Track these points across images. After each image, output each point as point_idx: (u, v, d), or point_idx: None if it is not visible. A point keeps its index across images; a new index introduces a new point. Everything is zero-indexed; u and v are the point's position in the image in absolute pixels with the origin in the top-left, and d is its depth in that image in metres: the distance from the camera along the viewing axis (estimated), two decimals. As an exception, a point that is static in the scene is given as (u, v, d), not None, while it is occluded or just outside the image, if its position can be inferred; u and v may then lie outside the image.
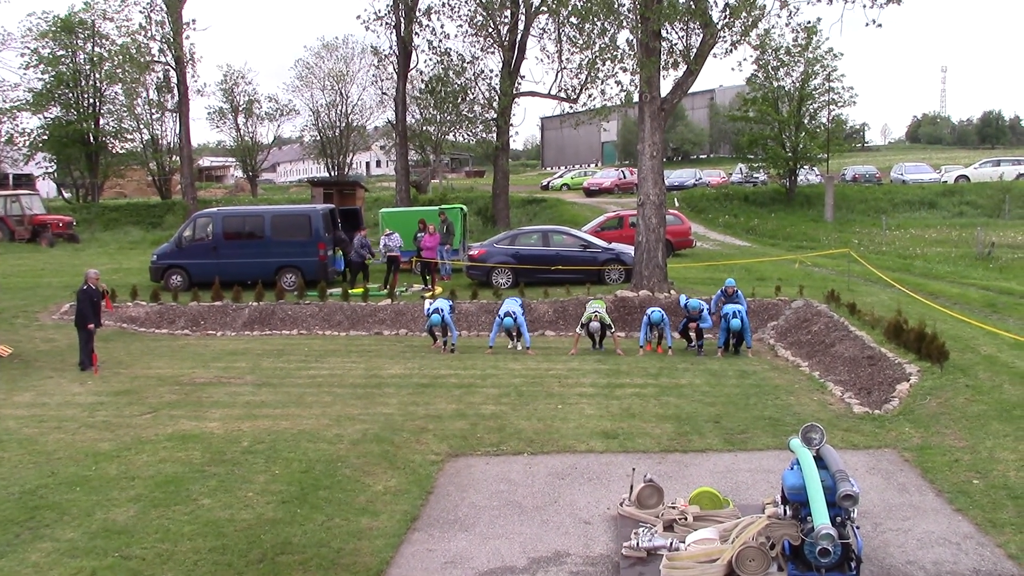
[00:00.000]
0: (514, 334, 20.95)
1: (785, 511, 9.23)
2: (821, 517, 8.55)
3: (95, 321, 18.88)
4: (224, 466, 12.20)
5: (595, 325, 20.18)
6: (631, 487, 10.89)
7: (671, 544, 9.36)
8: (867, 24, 23.75)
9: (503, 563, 9.60)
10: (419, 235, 28.31)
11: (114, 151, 60.48)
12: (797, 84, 50.59)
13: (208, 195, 65.57)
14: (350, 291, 25.62)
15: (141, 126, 60.79)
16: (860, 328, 19.38)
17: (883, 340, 18.18)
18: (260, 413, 14.98)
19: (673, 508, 10.41)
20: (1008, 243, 35.53)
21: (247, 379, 17.78)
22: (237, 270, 26.86)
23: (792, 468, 9.29)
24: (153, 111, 60.61)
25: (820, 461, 9.28)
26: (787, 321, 22.02)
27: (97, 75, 56.13)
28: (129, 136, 60.61)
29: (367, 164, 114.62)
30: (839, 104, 52.74)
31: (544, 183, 72.87)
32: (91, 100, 57.24)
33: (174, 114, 54.51)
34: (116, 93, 57.62)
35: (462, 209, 32.92)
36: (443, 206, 33.09)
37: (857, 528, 9.02)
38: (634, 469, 11.41)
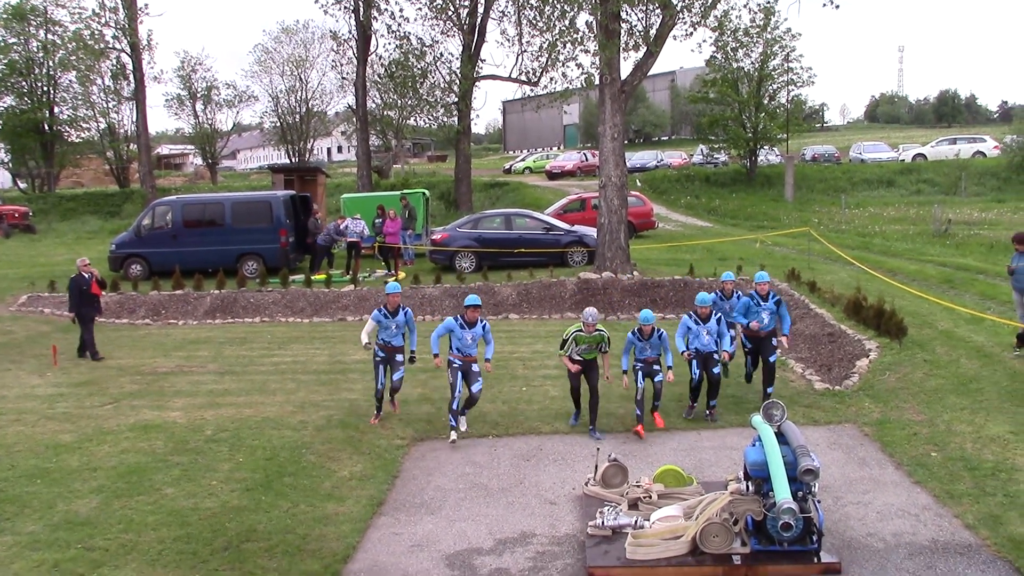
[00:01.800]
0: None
1: (748, 487, 9.35)
2: (783, 492, 8.66)
3: (78, 309, 18.52)
4: (187, 455, 12.12)
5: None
6: (595, 467, 10.96)
7: (636, 522, 9.44)
8: (824, 4, 23.90)
9: (469, 545, 9.64)
10: (377, 221, 28.21)
11: (70, 140, 59.51)
12: (756, 65, 50.83)
13: (167, 183, 64.79)
14: (313, 277, 25.47)
15: (97, 114, 59.81)
16: (820, 306, 19.59)
17: (843, 317, 18.40)
18: (223, 401, 14.88)
19: (638, 487, 10.48)
20: (964, 220, 36.01)
21: (209, 367, 17.65)
22: (198, 258, 26.59)
23: (754, 445, 9.40)
24: (109, 99, 59.63)
25: (781, 437, 9.40)
26: (749, 300, 22.17)
27: (51, 63, 55.14)
28: (85, 125, 59.61)
29: (328, 150, 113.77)
30: (798, 84, 53.07)
31: (506, 167, 72.79)
32: (45, 88, 56.22)
33: (131, 102, 53.69)
34: (71, 81, 56.67)
35: (424, 194, 32.81)
36: (405, 191, 32.97)
37: (818, 502, 9.15)
38: (598, 449, 11.48)
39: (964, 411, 12.93)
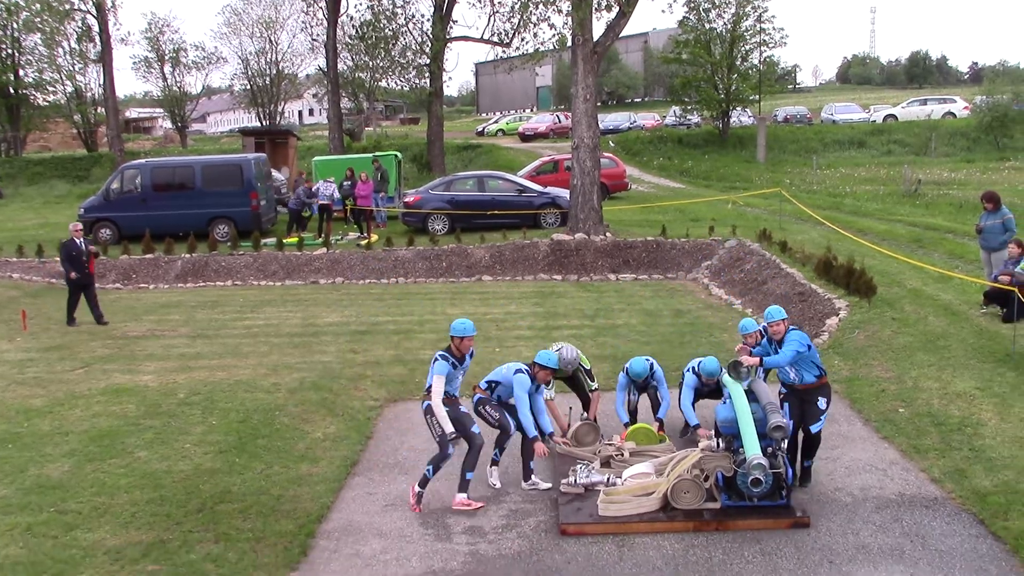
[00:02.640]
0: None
1: (718, 444, 9.47)
2: (752, 448, 8.78)
3: (70, 274, 18.19)
4: (160, 418, 12.09)
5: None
6: (568, 425, 11.04)
7: (608, 480, 9.53)
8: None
9: (443, 504, 9.70)
10: (345, 184, 28.04)
11: (36, 103, 58.43)
12: (729, 26, 50.70)
13: (136, 147, 63.86)
14: (284, 240, 25.32)
15: (64, 77, 58.70)
16: (791, 265, 19.72)
17: (813, 277, 18.54)
18: (195, 365, 14.83)
19: (610, 445, 10.58)
20: (934, 180, 36.25)
21: (181, 331, 17.57)
22: (168, 222, 26.34)
23: (724, 402, 9.51)
24: (75, 61, 58.52)
25: (751, 395, 9.50)
26: (720, 260, 22.32)
27: (14, 25, 53.98)
28: (51, 88, 58.45)
29: (299, 113, 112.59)
30: (770, 45, 53.02)
31: (479, 129, 72.38)
32: (9, 51, 55.05)
33: (97, 64, 52.75)
34: (36, 43, 55.48)
35: (396, 156, 32.61)
36: (377, 153, 32.73)
37: (788, 458, 9.29)
38: (571, 408, 11.54)
39: (931, 368, 13.09)
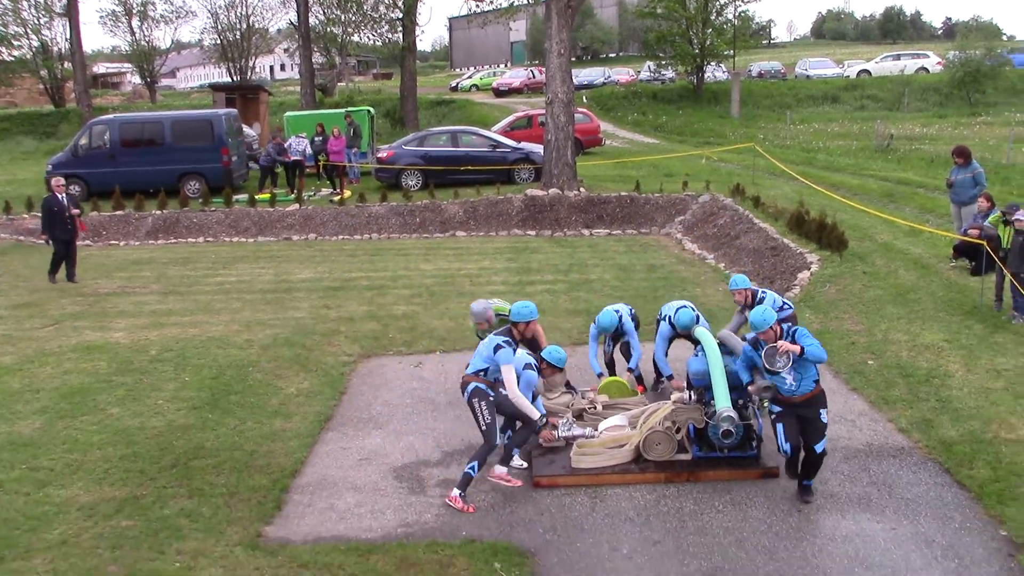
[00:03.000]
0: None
1: (690, 396, 9.54)
2: (723, 400, 8.85)
3: (50, 231, 17.71)
4: (132, 375, 12.03)
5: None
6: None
7: (587, 433, 9.58)
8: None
9: (417, 458, 9.75)
10: (317, 139, 27.79)
11: (1, 59, 57.34)
12: (704, -20, 50.41)
13: (104, 102, 62.90)
14: (257, 197, 25.10)
15: (29, 31, 57.59)
16: (764, 220, 19.79)
17: (786, 231, 18.62)
18: (167, 321, 14.74)
19: (583, 398, 10.64)
20: (906, 135, 36.37)
21: (153, 288, 17.44)
22: (137, 178, 26.02)
23: (696, 355, 9.56)
24: (41, 15, 57.39)
25: (724, 347, 9.58)
26: (694, 215, 22.36)
27: (-23, -22, 52.88)
28: (17, 42, 57.35)
29: (271, 68, 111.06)
30: (745, 0, 52.77)
31: (453, 84, 71.76)
32: (-28, 6, 54.00)
33: (64, 18, 51.68)
34: (-1, -4, 54.42)
35: (369, 111, 32.30)
36: (350, 109, 32.41)
37: (758, 410, 9.38)
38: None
39: (901, 321, 13.23)
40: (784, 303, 10.60)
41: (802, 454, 8.45)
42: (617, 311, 11.11)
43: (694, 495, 8.68)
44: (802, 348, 7.95)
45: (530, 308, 9.17)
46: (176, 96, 79.99)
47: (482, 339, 9.85)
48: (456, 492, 8.59)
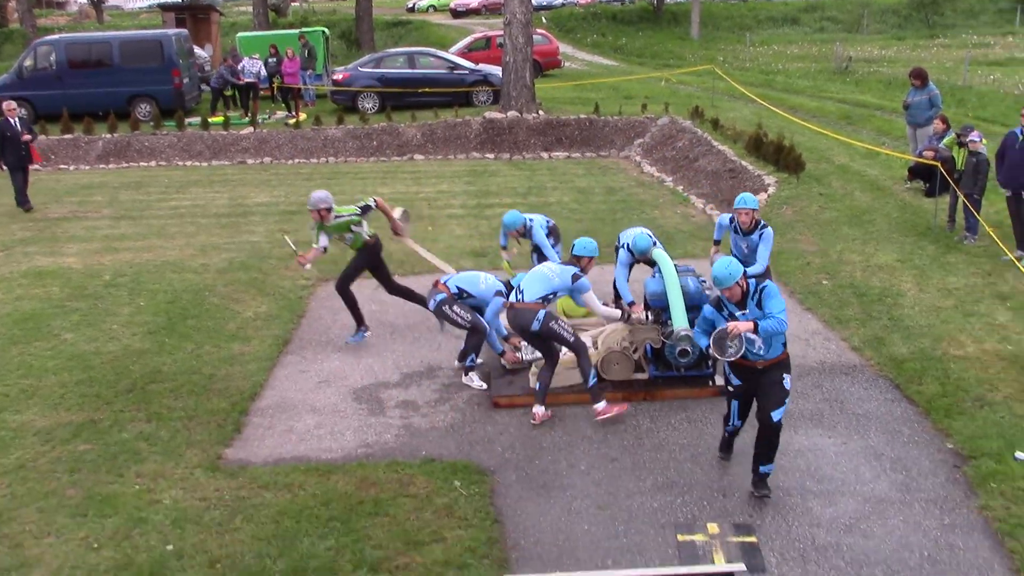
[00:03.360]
0: None
1: (647, 316, 9.61)
2: (680, 320, 8.93)
3: (2, 157, 17.14)
4: (86, 300, 11.89)
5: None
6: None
7: None
8: None
9: (377, 379, 9.78)
10: (271, 60, 27.22)
11: (-61, -24, 55.34)
12: None
13: (50, 23, 61.02)
14: (210, 120, 24.61)
15: (-32, -53, 55.54)
16: (722, 143, 19.79)
17: (744, 153, 18.66)
18: (120, 246, 14.54)
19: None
20: (865, 58, 36.40)
21: (104, 212, 17.16)
22: (86, 101, 25.33)
23: (654, 276, 9.61)
24: (-20, -70, 55.31)
25: (680, 267, 9.64)
26: (653, 138, 22.31)
27: None
28: (-45, -41, 55.37)
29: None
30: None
31: (410, 5, 70.38)
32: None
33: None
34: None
35: (324, 32, 31.61)
36: (304, 29, 31.71)
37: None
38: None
39: (855, 242, 13.39)
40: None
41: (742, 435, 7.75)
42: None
43: (651, 413, 8.81)
44: (755, 324, 6.89)
45: (594, 245, 9.16)
46: (124, 16, 77.66)
47: (313, 230, 10.61)
48: (539, 409, 8.69)
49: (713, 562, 6.39)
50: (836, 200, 15.21)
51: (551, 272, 8.90)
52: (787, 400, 7.18)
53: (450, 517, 7.02)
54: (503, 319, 9.67)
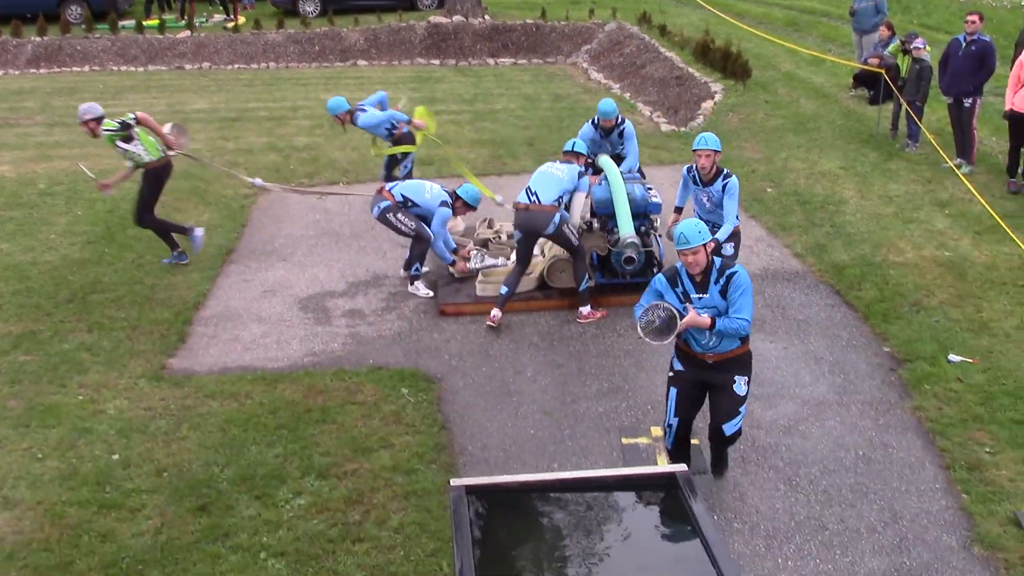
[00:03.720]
0: None
1: (592, 224, 9.64)
2: (626, 227, 8.95)
3: None
4: (21, 210, 11.62)
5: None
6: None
7: (499, 264, 9.64)
8: None
9: (323, 288, 9.72)
10: None
11: None
12: None
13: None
14: (144, 23, 23.78)
15: None
16: (670, 49, 19.62)
17: (691, 60, 18.54)
18: (55, 154, 14.13)
19: (488, 228, 10.66)
20: (813, -37, 36.11)
21: (37, 119, 16.61)
22: (13, 1, 24.30)
23: (600, 183, 9.59)
24: None
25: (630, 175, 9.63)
26: (600, 44, 22.03)
27: None
28: None
29: None
30: None
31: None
32: None
33: None
34: None
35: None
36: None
37: (660, 237, 9.54)
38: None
39: (800, 149, 13.47)
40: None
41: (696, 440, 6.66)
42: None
43: (597, 320, 8.88)
44: (713, 321, 5.71)
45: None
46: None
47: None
48: (585, 309, 8.83)
49: (656, 464, 6.54)
50: (782, 107, 15.25)
51: (559, 172, 8.89)
52: (742, 409, 5.96)
53: (398, 424, 7.07)
54: (455, 226, 9.70)
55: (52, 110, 17.32)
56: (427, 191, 9.44)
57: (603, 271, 9.38)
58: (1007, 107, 11.51)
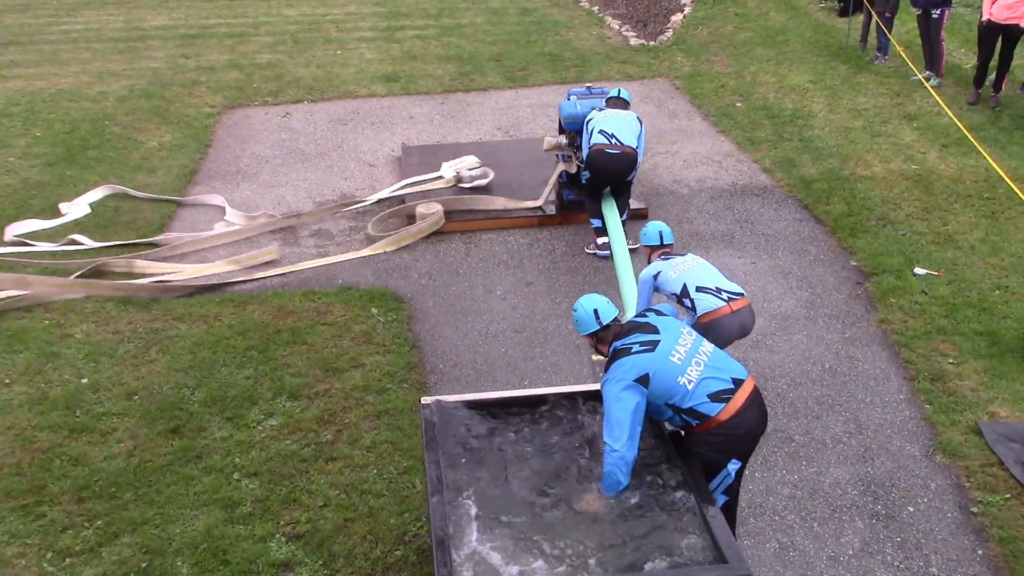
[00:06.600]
0: None
1: (562, 142, 9.54)
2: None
3: None
4: (-24, 131, 11.33)
5: None
6: None
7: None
8: None
9: (289, 207, 9.61)
10: None
11: None
12: None
13: None
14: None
15: None
16: (639, -39, 19.27)
17: (660, -28, 18.23)
18: (10, 74, 13.74)
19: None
20: None
21: (-10, 38, 16.15)
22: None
23: (568, 99, 9.48)
24: None
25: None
26: (568, -44, 21.59)
27: None
28: None
29: None
30: None
31: None
32: None
33: None
34: None
35: None
36: None
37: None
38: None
39: (770, 62, 13.37)
40: None
41: None
42: None
43: (566, 238, 8.87)
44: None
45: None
46: None
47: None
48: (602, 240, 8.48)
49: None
50: (751, 20, 15.09)
51: (627, 116, 8.46)
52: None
53: (368, 344, 7.07)
54: None
55: (5, 28, 16.78)
56: None
57: (572, 188, 9.33)
58: (984, 17, 11.33)
